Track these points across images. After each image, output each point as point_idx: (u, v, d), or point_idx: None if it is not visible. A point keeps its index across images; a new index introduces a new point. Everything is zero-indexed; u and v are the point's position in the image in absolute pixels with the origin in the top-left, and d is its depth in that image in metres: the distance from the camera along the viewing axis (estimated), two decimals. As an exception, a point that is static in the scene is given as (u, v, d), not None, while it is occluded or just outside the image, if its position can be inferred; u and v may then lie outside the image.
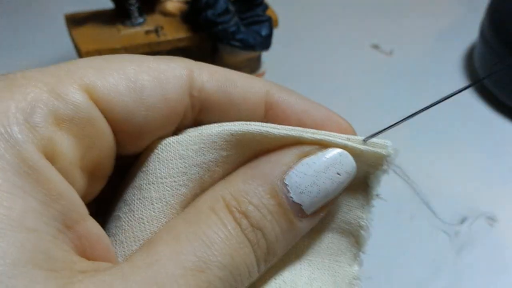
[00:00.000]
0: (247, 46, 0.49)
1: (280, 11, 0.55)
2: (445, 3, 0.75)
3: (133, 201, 0.20)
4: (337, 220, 0.22)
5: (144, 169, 0.20)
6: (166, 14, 0.52)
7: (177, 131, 0.21)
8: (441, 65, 0.63)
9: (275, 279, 0.21)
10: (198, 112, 0.20)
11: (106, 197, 0.21)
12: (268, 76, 0.56)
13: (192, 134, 0.20)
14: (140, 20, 0.50)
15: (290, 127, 0.20)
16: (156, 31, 0.50)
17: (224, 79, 0.20)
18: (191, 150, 0.20)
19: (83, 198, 0.18)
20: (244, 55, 0.51)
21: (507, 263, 0.42)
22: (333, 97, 0.57)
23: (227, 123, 0.20)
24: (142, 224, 0.19)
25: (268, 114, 0.21)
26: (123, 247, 0.19)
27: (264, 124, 0.20)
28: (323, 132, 0.20)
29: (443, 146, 0.52)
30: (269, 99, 0.21)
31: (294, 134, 0.20)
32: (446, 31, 0.69)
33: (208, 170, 0.20)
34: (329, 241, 0.22)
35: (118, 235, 0.19)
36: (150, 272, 0.16)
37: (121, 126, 0.18)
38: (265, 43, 0.51)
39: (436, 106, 0.22)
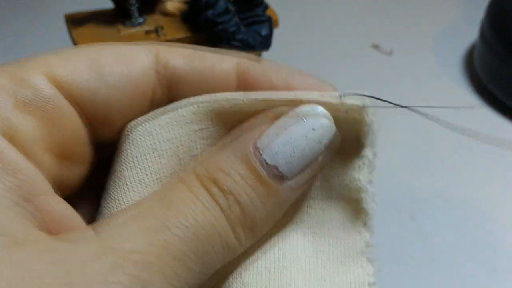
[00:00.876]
0: (247, 46, 0.49)
1: (280, 11, 0.55)
2: (445, 3, 0.75)
3: (110, 186, 0.20)
4: (336, 186, 0.21)
5: (117, 152, 0.20)
6: (166, 14, 0.52)
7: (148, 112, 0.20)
8: (441, 65, 0.63)
9: (274, 253, 0.20)
10: (168, 90, 0.20)
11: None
12: (268, 76, 0.57)
13: (158, 111, 0.20)
14: (140, 20, 0.50)
15: (259, 92, 0.19)
16: (156, 31, 0.50)
17: (191, 54, 0.20)
18: (158, 126, 0.19)
19: (59, 180, 0.18)
20: (244, 55, 0.51)
21: (507, 265, 0.42)
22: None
23: (194, 97, 0.20)
24: (118, 205, 0.19)
25: (240, 85, 0.20)
26: None
27: (232, 92, 0.20)
28: (294, 92, 0.19)
29: (442, 146, 0.52)
30: (240, 70, 0.20)
31: (263, 97, 0.19)
32: (446, 31, 0.69)
33: (182, 145, 0.20)
34: (333, 210, 0.21)
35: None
36: (98, 231, 0.16)
37: (85, 106, 0.19)
38: (265, 43, 0.51)
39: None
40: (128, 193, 0.19)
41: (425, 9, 0.74)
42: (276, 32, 0.53)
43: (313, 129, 0.19)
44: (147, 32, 0.50)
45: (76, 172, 0.20)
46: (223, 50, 0.21)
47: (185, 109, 0.20)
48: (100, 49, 0.19)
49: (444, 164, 0.50)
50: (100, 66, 0.19)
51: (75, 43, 0.48)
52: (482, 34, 0.58)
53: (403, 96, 0.57)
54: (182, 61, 0.20)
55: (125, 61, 0.19)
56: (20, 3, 0.72)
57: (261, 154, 0.18)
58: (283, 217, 0.20)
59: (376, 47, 0.65)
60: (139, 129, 0.19)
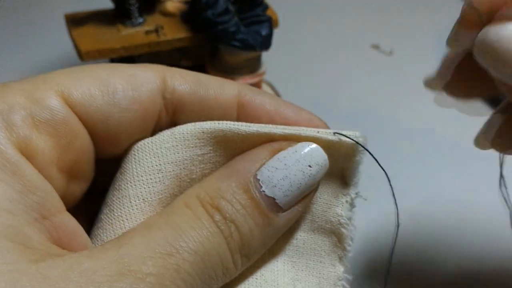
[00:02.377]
0: (247, 46, 0.49)
1: (280, 11, 0.55)
2: (445, 3, 0.75)
3: (113, 202, 0.20)
4: (318, 220, 0.23)
5: (122, 170, 0.21)
6: (166, 14, 0.52)
7: (153, 134, 0.21)
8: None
9: (256, 278, 0.22)
10: (172, 114, 0.21)
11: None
12: (268, 76, 0.56)
13: (165, 134, 0.21)
14: (140, 20, 0.50)
15: (261, 124, 0.21)
16: (156, 31, 0.50)
17: (195, 81, 0.21)
18: (164, 148, 0.20)
19: (64, 197, 0.19)
20: (244, 55, 0.51)
21: (509, 266, 0.42)
22: (333, 97, 0.57)
23: (199, 123, 0.21)
24: (121, 222, 0.20)
25: (240, 115, 0.22)
26: None
27: (236, 122, 0.21)
28: (293, 127, 0.21)
29: (442, 147, 0.52)
30: (240, 100, 0.22)
31: (265, 131, 0.21)
32: (446, 31, 0.69)
33: (184, 168, 0.21)
34: (313, 242, 0.23)
35: (100, 235, 0.20)
36: (118, 253, 0.16)
37: (97, 128, 0.20)
38: (265, 43, 0.50)
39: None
40: (131, 210, 0.20)
41: (425, 9, 0.74)
42: (276, 32, 0.53)
43: (310, 166, 0.20)
44: (147, 32, 0.50)
45: (80, 188, 0.21)
46: (224, 80, 0.22)
47: (190, 134, 0.21)
48: (111, 71, 0.20)
49: (443, 164, 0.50)
50: (112, 90, 0.19)
51: (75, 43, 0.48)
52: (482, 34, 0.58)
53: (403, 96, 0.57)
54: (187, 88, 0.21)
55: (136, 85, 0.20)
56: (20, 3, 0.72)
57: (261, 186, 0.20)
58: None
59: (376, 47, 0.65)
60: (146, 150, 0.20)
